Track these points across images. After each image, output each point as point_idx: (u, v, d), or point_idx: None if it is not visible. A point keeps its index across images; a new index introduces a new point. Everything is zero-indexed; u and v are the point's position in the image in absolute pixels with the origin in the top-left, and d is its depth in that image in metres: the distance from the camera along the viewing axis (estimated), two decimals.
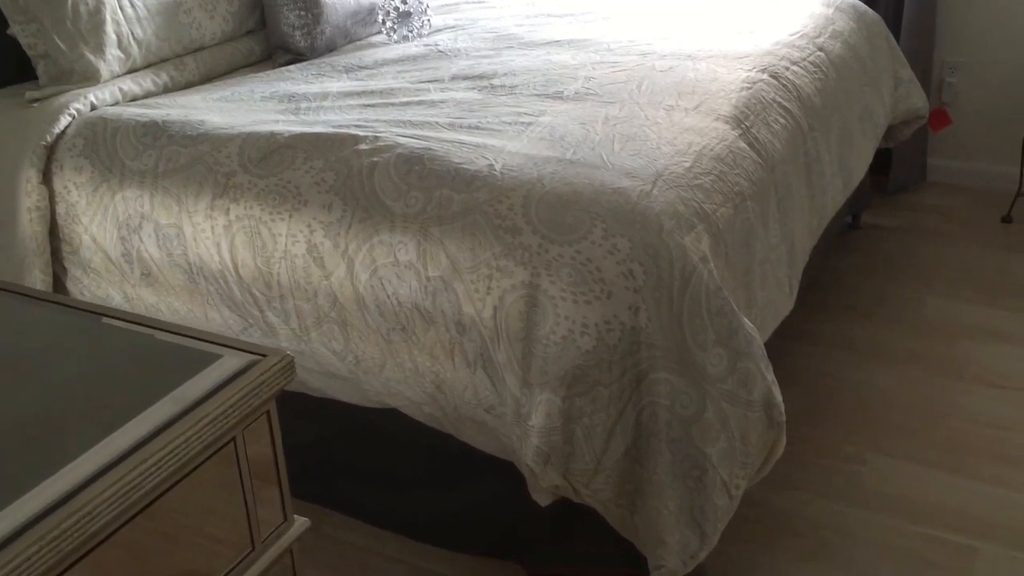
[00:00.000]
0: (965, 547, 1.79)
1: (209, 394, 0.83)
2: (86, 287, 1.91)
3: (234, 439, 0.86)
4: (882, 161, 3.15)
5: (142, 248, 1.79)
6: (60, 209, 1.89)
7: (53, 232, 1.91)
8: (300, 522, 0.97)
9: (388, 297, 1.54)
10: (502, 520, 1.70)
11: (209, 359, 0.91)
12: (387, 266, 1.54)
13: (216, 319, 1.76)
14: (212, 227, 1.70)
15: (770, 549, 1.81)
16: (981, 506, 1.88)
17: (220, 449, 0.85)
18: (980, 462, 2.00)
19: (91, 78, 2.07)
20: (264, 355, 0.89)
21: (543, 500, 1.52)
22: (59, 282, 1.95)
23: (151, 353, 0.94)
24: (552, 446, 1.42)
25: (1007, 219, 3.07)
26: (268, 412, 0.90)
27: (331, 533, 1.89)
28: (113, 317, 1.01)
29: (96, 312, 1.02)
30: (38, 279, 1.90)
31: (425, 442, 1.69)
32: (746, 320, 1.49)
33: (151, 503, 0.79)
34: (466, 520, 1.75)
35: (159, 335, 0.96)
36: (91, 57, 2.06)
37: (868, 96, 2.44)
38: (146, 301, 1.83)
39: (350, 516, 1.89)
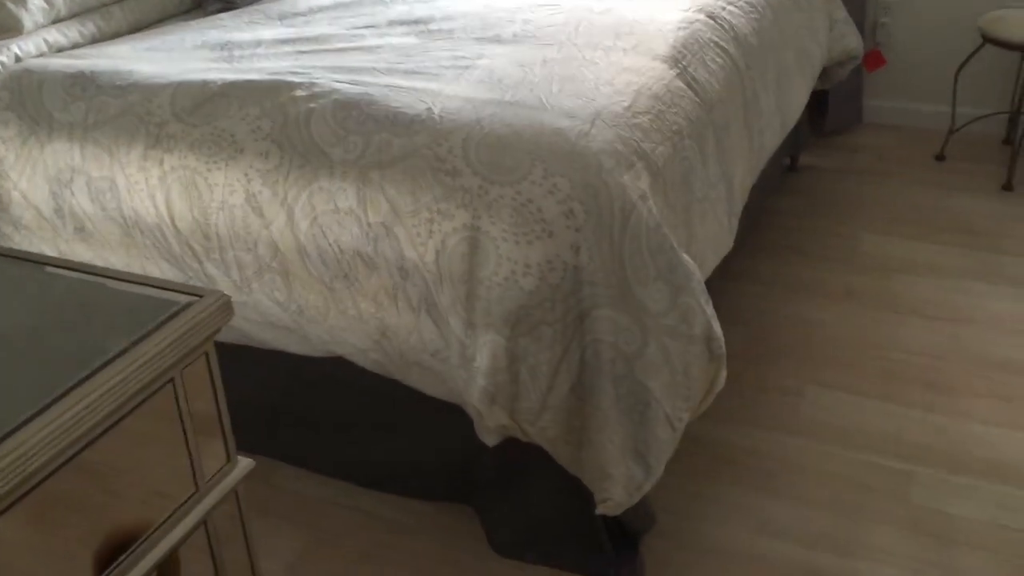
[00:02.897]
0: (901, 471, 1.85)
1: (145, 335, 0.82)
2: (18, 245, 1.86)
3: (172, 380, 0.85)
4: (819, 103, 3.19)
5: (74, 203, 1.75)
6: None
7: None
8: (244, 463, 0.97)
9: (329, 245, 1.53)
10: (452, 464, 1.72)
11: (150, 303, 0.89)
12: (327, 213, 1.53)
13: (154, 272, 1.73)
14: (146, 179, 1.67)
15: (713, 479, 1.85)
16: (915, 432, 1.95)
17: (159, 390, 0.84)
18: (914, 390, 2.07)
19: (14, 29, 2.01)
20: (200, 295, 0.88)
21: (490, 440, 1.53)
22: None
23: (92, 299, 0.93)
24: (498, 386, 1.43)
25: (940, 157, 3.14)
26: (207, 353, 0.89)
27: (283, 484, 1.89)
28: (56, 266, 0.99)
29: (38, 261, 1.00)
30: None
31: (372, 389, 1.69)
32: (686, 256, 1.51)
33: (89, 444, 0.78)
34: (417, 465, 1.76)
35: (98, 280, 0.94)
36: (12, 7, 1.99)
37: (803, 36, 2.46)
38: (81, 257, 1.80)
39: (301, 467, 1.90)
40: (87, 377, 0.77)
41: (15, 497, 0.71)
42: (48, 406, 0.73)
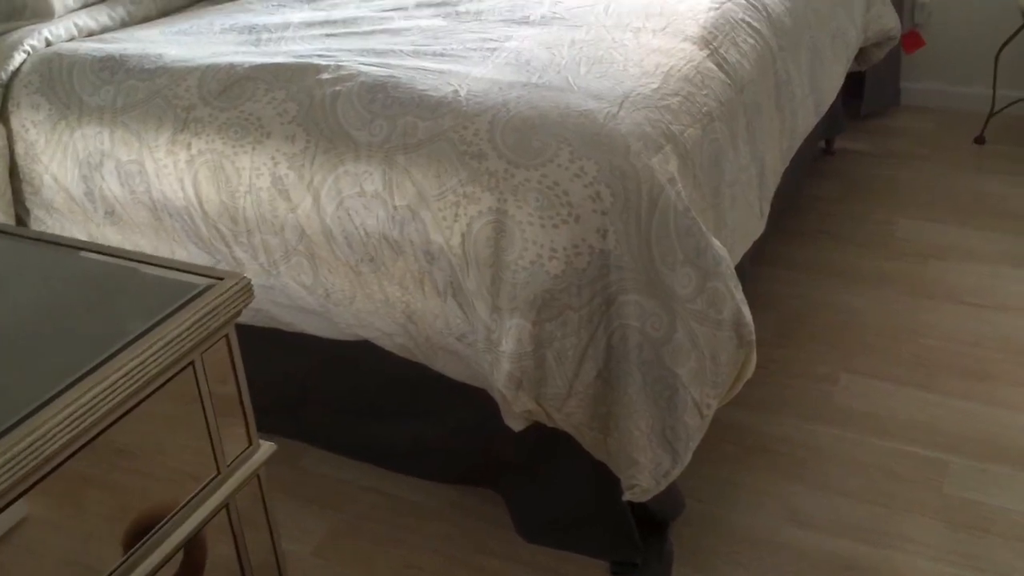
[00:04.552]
0: (935, 460, 1.82)
1: (164, 318, 0.82)
2: (50, 228, 1.88)
3: (192, 363, 0.85)
4: (855, 85, 3.13)
5: (104, 186, 1.76)
6: (19, 149, 1.85)
7: (13, 173, 1.88)
8: (266, 447, 0.97)
9: (356, 228, 1.53)
10: (477, 448, 1.72)
11: (173, 286, 0.89)
12: (353, 196, 1.52)
13: (183, 256, 1.74)
14: (174, 162, 1.67)
15: (742, 467, 1.83)
16: (950, 420, 1.91)
17: (179, 373, 0.84)
18: (949, 378, 2.03)
19: (44, 13, 2.02)
20: (221, 278, 0.87)
21: (517, 425, 1.52)
22: (21, 223, 1.92)
23: (115, 282, 0.93)
24: (524, 371, 1.42)
25: (979, 140, 3.07)
26: (227, 336, 0.89)
27: (309, 467, 1.90)
28: (80, 248, 0.99)
29: (63, 244, 1.00)
30: None
31: (398, 373, 1.69)
32: (715, 240, 1.48)
33: (110, 426, 0.78)
34: (442, 449, 1.76)
35: (122, 263, 0.94)
36: None
37: (840, 16, 2.41)
38: (111, 240, 1.81)
39: (326, 449, 1.90)
40: (105, 360, 0.76)
41: (33, 480, 0.72)
42: (65, 389, 0.73)
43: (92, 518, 0.85)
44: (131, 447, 0.85)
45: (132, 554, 0.87)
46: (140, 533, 0.89)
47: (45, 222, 1.89)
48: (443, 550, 1.70)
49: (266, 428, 1.82)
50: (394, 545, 1.72)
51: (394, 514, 1.78)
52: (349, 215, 1.52)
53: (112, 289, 0.91)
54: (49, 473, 0.74)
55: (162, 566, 0.90)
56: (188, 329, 0.81)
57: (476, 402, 1.61)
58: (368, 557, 1.70)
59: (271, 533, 1.04)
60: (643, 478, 1.44)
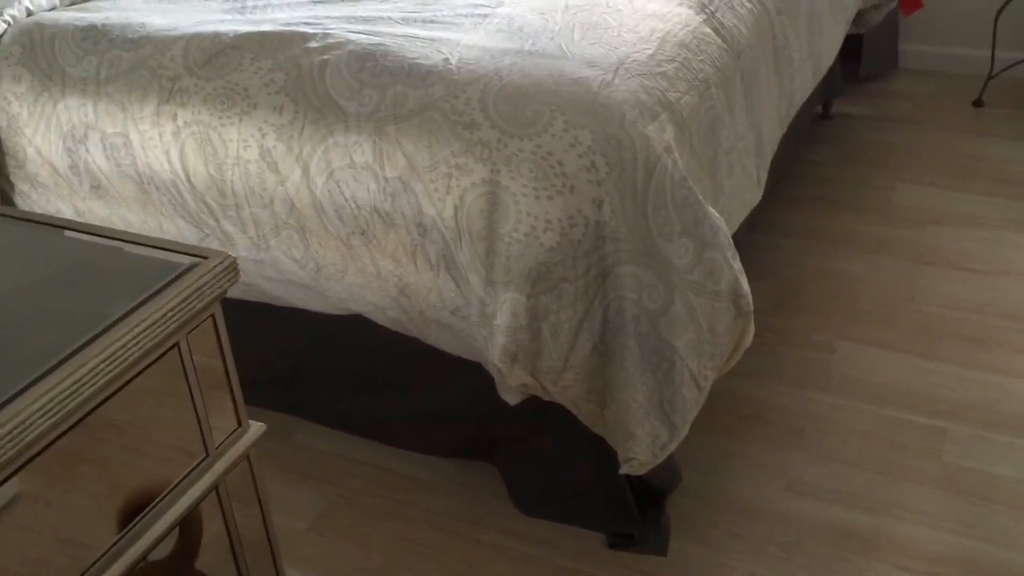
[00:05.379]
0: (934, 428, 1.81)
1: (146, 299, 0.79)
2: (35, 202, 1.85)
3: (177, 344, 0.83)
4: (853, 48, 3.09)
5: (89, 159, 1.72)
6: (2, 122, 1.82)
7: None
8: (256, 427, 0.95)
9: (346, 201, 1.50)
10: (472, 421, 1.70)
11: (157, 266, 0.87)
12: (343, 168, 1.49)
13: (171, 230, 1.71)
14: (160, 134, 1.64)
15: (741, 437, 1.82)
16: (950, 388, 1.90)
17: (163, 355, 0.82)
18: (949, 345, 2.01)
19: None
20: (205, 257, 0.85)
21: (512, 399, 1.51)
22: (6, 198, 1.88)
23: (98, 263, 0.90)
24: (519, 344, 1.40)
25: (978, 103, 3.03)
26: (213, 316, 0.86)
27: (304, 441, 1.88)
28: (60, 227, 0.97)
29: (44, 223, 0.97)
30: None
31: (392, 346, 1.67)
32: (712, 210, 1.46)
33: (93, 410, 0.76)
34: (437, 423, 1.74)
35: (105, 243, 0.92)
36: None
37: None
38: (98, 214, 1.78)
39: (320, 424, 1.89)
40: (86, 343, 0.74)
41: (14, 467, 0.69)
42: (45, 374, 0.71)
43: (85, 494, 0.84)
44: (121, 422, 0.83)
45: (124, 535, 0.85)
46: (133, 511, 0.87)
47: (30, 196, 1.85)
48: (439, 524, 1.69)
49: (259, 402, 1.81)
50: (390, 519, 1.71)
51: (389, 488, 1.77)
52: (339, 187, 1.50)
53: (94, 269, 0.89)
54: (31, 459, 0.72)
55: (155, 546, 0.89)
56: (171, 310, 0.79)
57: (471, 376, 1.59)
58: (364, 531, 1.69)
59: (262, 512, 1.03)
60: (640, 451, 1.42)
